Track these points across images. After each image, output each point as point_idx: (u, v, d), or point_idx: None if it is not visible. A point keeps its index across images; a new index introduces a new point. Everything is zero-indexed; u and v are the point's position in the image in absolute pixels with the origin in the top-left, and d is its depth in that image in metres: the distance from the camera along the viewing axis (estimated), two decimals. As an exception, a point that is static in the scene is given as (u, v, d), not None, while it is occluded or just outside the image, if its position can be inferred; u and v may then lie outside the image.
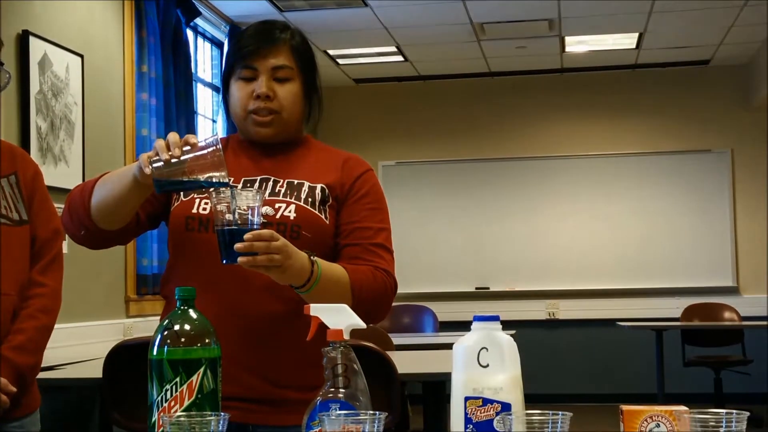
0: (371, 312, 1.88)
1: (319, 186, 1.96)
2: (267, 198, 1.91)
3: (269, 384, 1.89)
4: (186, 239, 1.94)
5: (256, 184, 1.95)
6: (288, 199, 1.92)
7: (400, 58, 8.12)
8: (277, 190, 1.94)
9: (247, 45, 1.96)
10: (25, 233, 2.14)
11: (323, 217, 1.94)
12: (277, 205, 1.91)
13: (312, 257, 1.80)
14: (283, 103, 1.96)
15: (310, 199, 1.93)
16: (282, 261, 1.68)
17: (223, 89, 2.03)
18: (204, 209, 1.91)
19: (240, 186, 1.94)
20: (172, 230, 1.97)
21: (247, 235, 1.64)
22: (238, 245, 1.64)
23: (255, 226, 1.67)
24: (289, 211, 1.90)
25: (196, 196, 1.94)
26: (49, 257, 2.18)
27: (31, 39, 4.35)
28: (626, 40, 7.81)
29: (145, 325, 5.02)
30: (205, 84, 6.74)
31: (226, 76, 2.01)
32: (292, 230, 1.88)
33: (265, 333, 1.89)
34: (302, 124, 2.06)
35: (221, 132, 6.67)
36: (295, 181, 1.96)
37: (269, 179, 1.97)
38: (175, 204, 1.96)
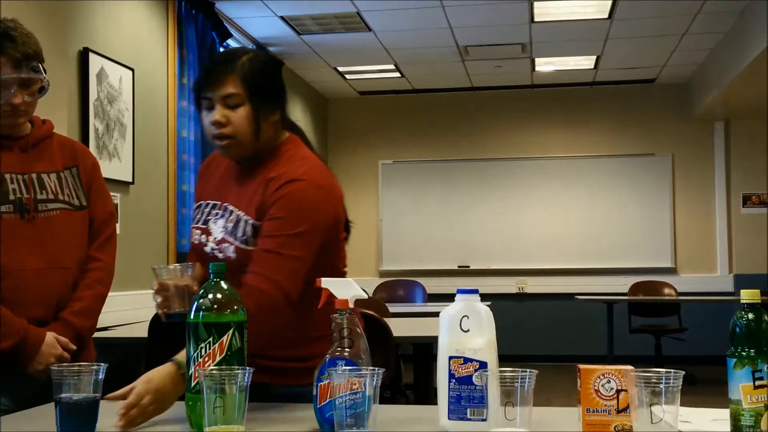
0: (262, 326, 1.66)
1: (251, 222, 1.82)
2: (224, 235, 1.85)
3: (268, 359, 1.82)
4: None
5: (224, 221, 1.87)
6: (231, 239, 1.83)
7: (397, 74, 8.11)
8: (227, 227, 1.85)
9: (200, 78, 1.89)
10: (85, 217, 2.13)
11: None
12: (225, 245, 1.84)
13: (176, 362, 1.63)
14: (237, 127, 1.82)
15: (244, 237, 1.83)
16: (159, 407, 1.59)
17: (198, 113, 1.94)
18: (195, 239, 1.91)
19: (220, 212, 1.88)
20: None
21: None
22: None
23: None
24: (231, 252, 1.83)
25: (194, 225, 1.93)
26: (105, 236, 2.17)
27: (91, 55, 4.34)
28: (586, 62, 7.81)
29: (184, 294, 5.01)
30: (235, 94, 6.73)
31: (197, 104, 1.90)
32: (239, 267, 1.79)
33: None
34: (257, 139, 1.85)
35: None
36: (240, 215, 1.84)
37: (232, 211, 1.86)
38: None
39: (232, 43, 6.39)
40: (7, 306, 1.95)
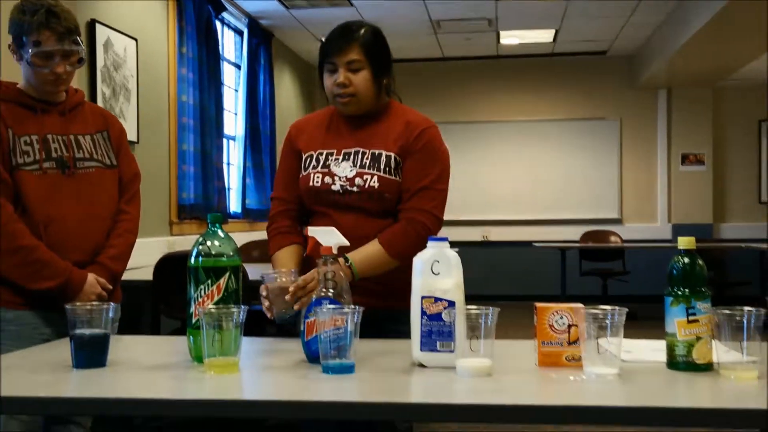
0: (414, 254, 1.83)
1: (392, 155, 1.91)
2: (358, 170, 1.90)
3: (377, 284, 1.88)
4: (309, 203, 1.97)
5: (349, 162, 1.91)
6: (372, 171, 1.90)
7: (376, 45, 8.01)
8: (363, 163, 1.91)
9: (328, 46, 1.92)
10: (115, 175, 2.17)
11: (397, 179, 1.91)
12: (365, 177, 1.89)
13: (348, 262, 1.79)
14: (358, 88, 1.90)
15: (387, 168, 1.90)
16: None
17: (319, 76, 1.97)
18: (317, 183, 1.92)
19: (341, 158, 1.92)
20: (302, 195, 1.98)
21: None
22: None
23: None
24: (374, 182, 1.89)
25: (311, 171, 1.94)
26: (131, 193, 2.22)
27: (98, 26, 4.24)
28: (545, 35, 7.76)
29: (184, 241, 5.00)
30: (229, 62, 6.62)
31: (321, 68, 1.95)
32: (378, 195, 1.89)
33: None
34: (379, 98, 1.96)
35: (242, 102, 6.57)
36: (377, 152, 1.92)
37: (359, 151, 1.93)
38: (300, 177, 1.97)
39: (226, 16, 6.28)
40: (53, 250, 2.00)
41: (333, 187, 1.91)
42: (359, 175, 1.90)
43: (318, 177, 1.93)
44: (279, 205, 2.01)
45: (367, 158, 1.92)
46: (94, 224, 2.09)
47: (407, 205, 1.91)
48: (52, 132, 2.07)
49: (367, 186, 1.89)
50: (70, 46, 2.02)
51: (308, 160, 1.96)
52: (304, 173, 1.96)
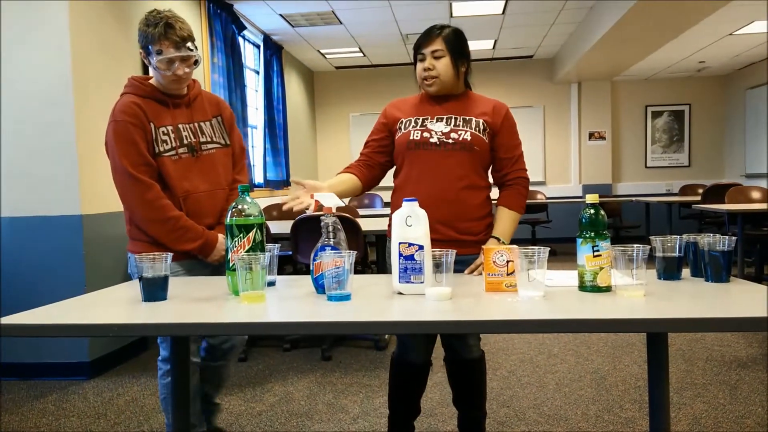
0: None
1: (481, 120, 1.88)
2: (453, 127, 1.86)
3: (455, 232, 1.87)
4: (407, 154, 1.90)
5: (443, 123, 1.88)
6: (465, 128, 1.86)
7: (360, 54, 7.89)
8: (457, 124, 1.87)
9: (419, 41, 1.89)
10: (229, 152, 2.09)
11: (485, 138, 1.87)
12: (459, 133, 1.85)
13: (500, 240, 1.85)
14: (440, 71, 1.86)
15: (477, 128, 1.87)
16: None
17: (414, 67, 1.93)
18: (416, 137, 1.88)
19: (435, 120, 1.87)
20: (397, 151, 1.93)
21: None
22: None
23: None
24: (467, 136, 1.85)
25: (410, 129, 1.89)
26: (241, 164, 2.13)
27: (148, 43, 4.13)
28: (487, 44, 7.68)
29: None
30: (250, 69, 6.49)
31: (414, 60, 1.91)
32: (470, 147, 1.85)
33: (454, 203, 1.87)
34: (457, 82, 1.90)
35: (261, 99, 6.46)
36: (467, 117, 1.88)
37: (452, 117, 1.89)
38: (397, 136, 1.92)
39: (246, 33, 6.13)
40: (190, 217, 1.95)
41: (431, 140, 1.86)
42: (454, 131, 1.85)
43: (417, 133, 1.87)
44: (360, 157, 2.00)
45: (459, 121, 1.88)
46: (218, 194, 2.02)
47: (511, 171, 1.91)
48: (182, 122, 1.98)
49: (461, 138, 1.85)
50: (186, 51, 1.91)
51: (407, 123, 1.90)
52: (403, 131, 1.89)
